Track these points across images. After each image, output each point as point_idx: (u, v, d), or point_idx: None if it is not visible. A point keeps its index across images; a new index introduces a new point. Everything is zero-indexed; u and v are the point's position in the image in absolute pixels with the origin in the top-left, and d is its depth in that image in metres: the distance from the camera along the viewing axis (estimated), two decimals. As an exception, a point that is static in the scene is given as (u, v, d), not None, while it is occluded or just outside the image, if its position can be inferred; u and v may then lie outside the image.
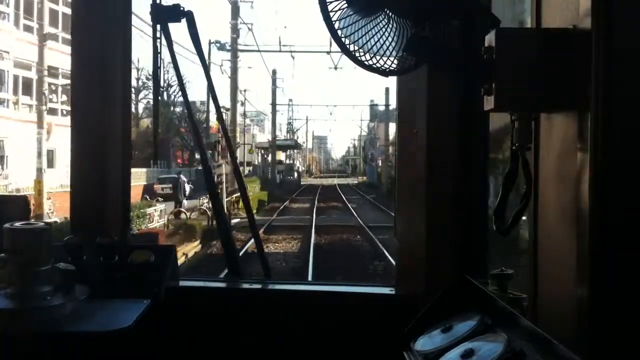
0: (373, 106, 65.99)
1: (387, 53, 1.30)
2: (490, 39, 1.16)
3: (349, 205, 29.84)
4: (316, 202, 32.05)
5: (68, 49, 2.31)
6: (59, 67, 25.59)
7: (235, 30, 30.57)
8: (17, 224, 1.57)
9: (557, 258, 1.17)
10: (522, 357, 1.02)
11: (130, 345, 1.63)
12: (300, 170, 76.07)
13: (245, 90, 49.80)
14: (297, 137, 75.84)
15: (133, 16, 2.19)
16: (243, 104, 52.12)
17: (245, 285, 2.11)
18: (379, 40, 1.28)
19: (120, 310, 1.66)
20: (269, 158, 52.59)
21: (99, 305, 1.66)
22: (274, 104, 49.23)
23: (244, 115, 53.68)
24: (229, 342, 1.93)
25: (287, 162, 64.75)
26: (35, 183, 19.06)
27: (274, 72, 48.15)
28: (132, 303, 1.68)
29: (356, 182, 66.02)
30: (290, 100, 67.51)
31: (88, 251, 1.86)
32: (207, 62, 2.26)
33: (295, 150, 76.22)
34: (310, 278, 11.67)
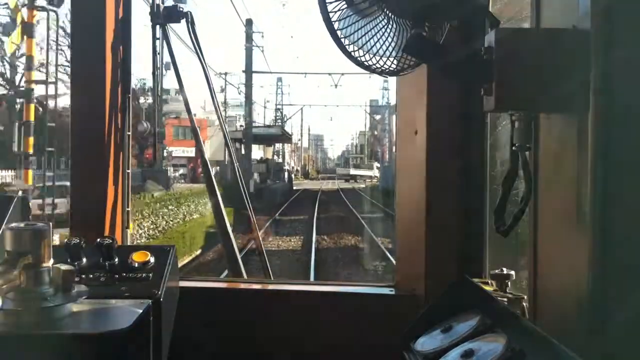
0: (375, 99, 60.29)
1: (387, 53, 1.30)
2: (490, 39, 1.16)
3: (384, 250, 14.21)
4: (314, 233, 17.11)
5: None
6: None
7: None
8: (17, 224, 1.56)
9: (557, 258, 1.17)
10: (522, 357, 1.02)
11: (130, 345, 1.63)
12: (293, 169, 64.25)
13: (226, 74, 40.05)
14: (292, 135, 57.31)
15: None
16: (223, 90, 41.77)
17: (245, 286, 2.12)
18: (378, 40, 1.28)
19: (120, 310, 1.66)
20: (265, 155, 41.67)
21: (99, 305, 1.66)
22: (248, 71, 31.65)
23: (225, 103, 41.87)
24: (229, 343, 1.93)
25: (277, 160, 50.58)
26: None
27: (249, 22, 30.77)
28: (132, 303, 1.68)
29: (363, 186, 49.66)
30: (280, 79, 53.62)
31: (88, 251, 1.86)
32: (206, 64, 2.24)
33: (290, 148, 64.28)
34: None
